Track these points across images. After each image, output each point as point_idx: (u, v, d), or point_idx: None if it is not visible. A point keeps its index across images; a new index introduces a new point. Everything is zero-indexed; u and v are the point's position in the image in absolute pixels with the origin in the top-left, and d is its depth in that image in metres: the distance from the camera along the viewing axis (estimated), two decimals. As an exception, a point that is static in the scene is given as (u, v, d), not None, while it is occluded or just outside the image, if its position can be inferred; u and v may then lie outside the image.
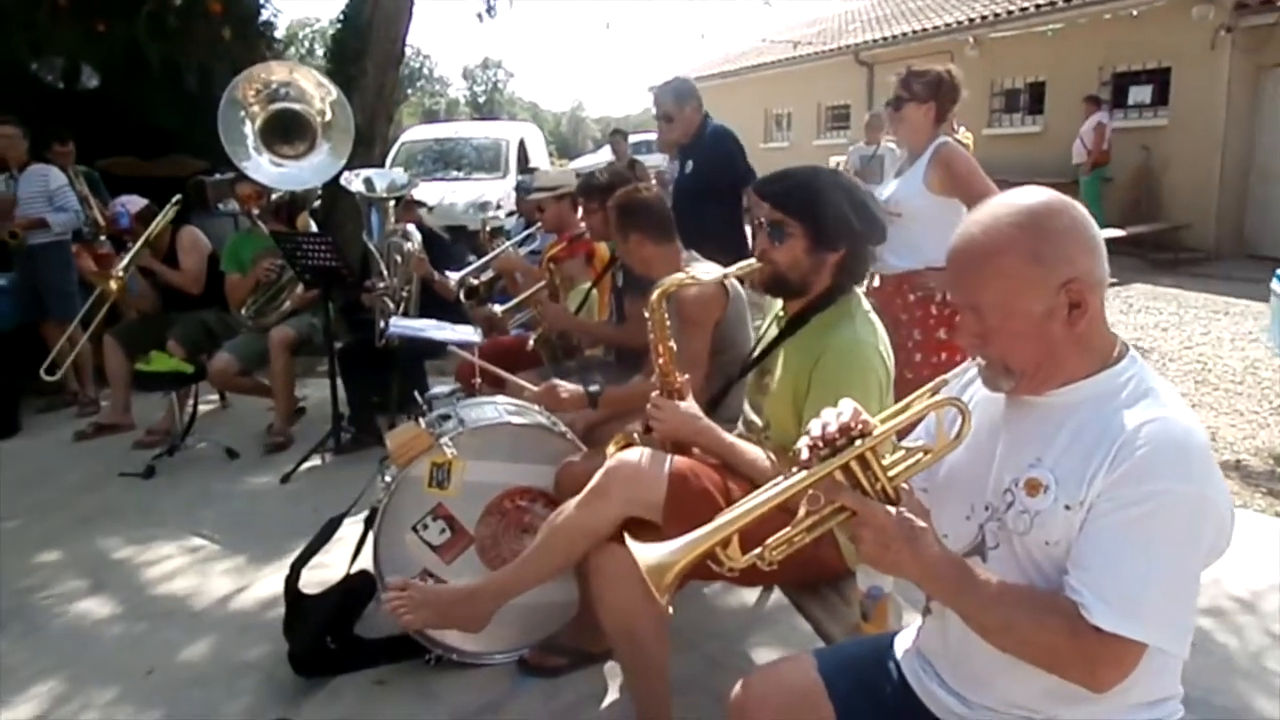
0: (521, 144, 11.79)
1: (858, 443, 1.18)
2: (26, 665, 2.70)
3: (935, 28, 13.79)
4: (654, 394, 2.13)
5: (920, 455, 1.25)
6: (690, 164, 4.17)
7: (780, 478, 1.22)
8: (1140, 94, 11.48)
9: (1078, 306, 1.20)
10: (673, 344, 2.17)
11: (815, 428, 1.22)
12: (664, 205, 2.97)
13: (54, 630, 2.91)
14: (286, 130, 4.72)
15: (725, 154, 4.02)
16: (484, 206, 9.98)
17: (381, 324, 4.55)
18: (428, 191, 9.99)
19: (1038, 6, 12.17)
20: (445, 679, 2.53)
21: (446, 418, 2.55)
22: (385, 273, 4.51)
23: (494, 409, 2.69)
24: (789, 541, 1.21)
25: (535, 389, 2.62)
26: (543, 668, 2.52)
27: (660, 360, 2.16)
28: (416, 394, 2.61)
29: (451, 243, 8.72)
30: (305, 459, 4.30)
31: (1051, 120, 12.23)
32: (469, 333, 3.35)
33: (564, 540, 2.05)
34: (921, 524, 1.18)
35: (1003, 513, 1.25)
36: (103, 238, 6.21)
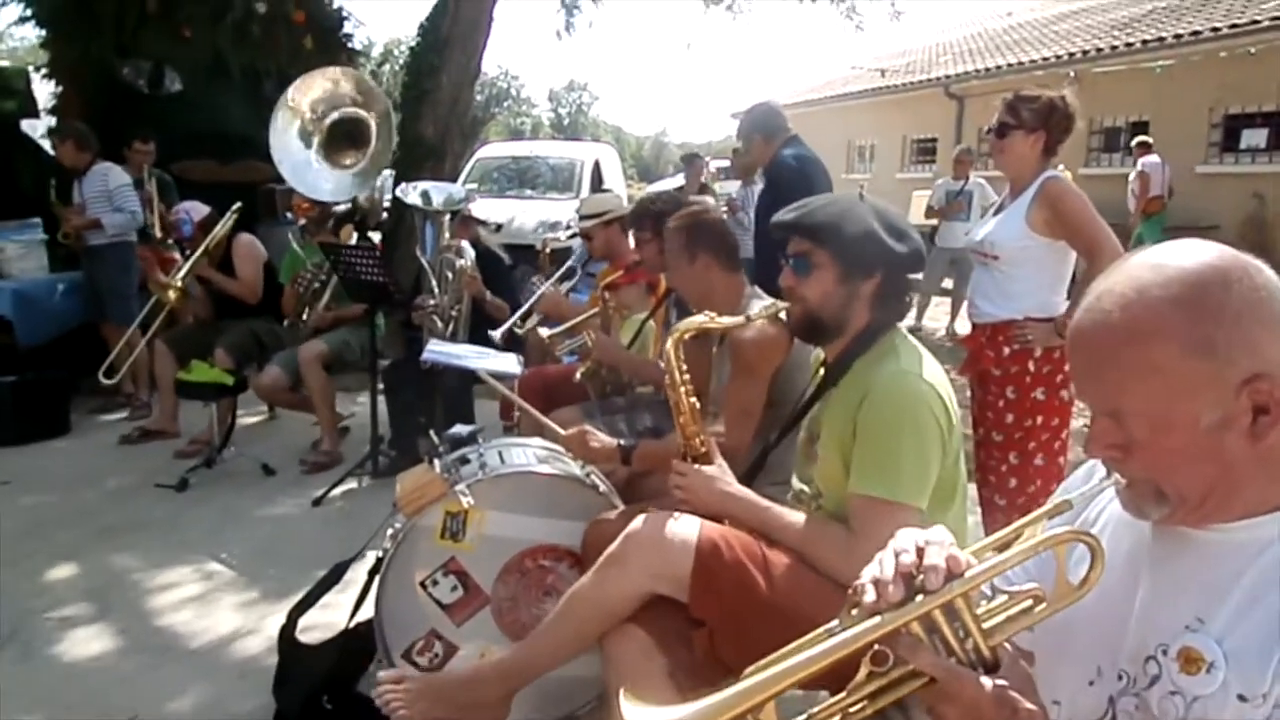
0: (596, 165, 11.62)
1: (947, 586, 0.85)
2: (13, 694, 2.50)
3: (1033, 61, 13.21)
4: (675, 460, 1.83)
5: (1029, 604, 0.90)
6: (760, 192, 3.95)
7: (835, 624, 0.89)
8: (1254, 138, 10.74)
9: (1265, 413, 0.85)
10: (694, 400, 1.87)
11: (887, 560, 0.89)
12: (733, 233, 2.68)
13: (48, 657, 2.72)
14: (352, 137, 4.57)
15: (778, 182, 3.71)
16: (553, 227, 9.80)
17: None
18: (500, 209, 9.89)
19: (1144, 42, 11.54)
20: (449, 755, 2.24)
21: (466, 461, 2.27)
22: (435, 289, 4.30)
23: (523, 453, 2.41)
24: (842, 713, 0.88)
25: (565, 433, 2.32)
26: (558, 752, 2.22)
27: (680, 418, 1.85)
28: (432, 433, 2.34)
29: (516, 263, 8.58)
30: (339, 482, 4.10)
31: (1155, 162, 11.53)
32: (510, 363, 3.08)
33: (578, 617, 1.75)
34: (1030, 706, 0.83)
35: (1144, 688, 0.90)
36: (170, 241, 6.21)
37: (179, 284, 4.63)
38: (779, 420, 2.12)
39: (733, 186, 9.94)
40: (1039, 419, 2.73)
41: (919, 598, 0.85)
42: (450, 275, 4.21)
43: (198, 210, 4.98)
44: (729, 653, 1.72)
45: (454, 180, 8.21)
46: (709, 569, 1.67)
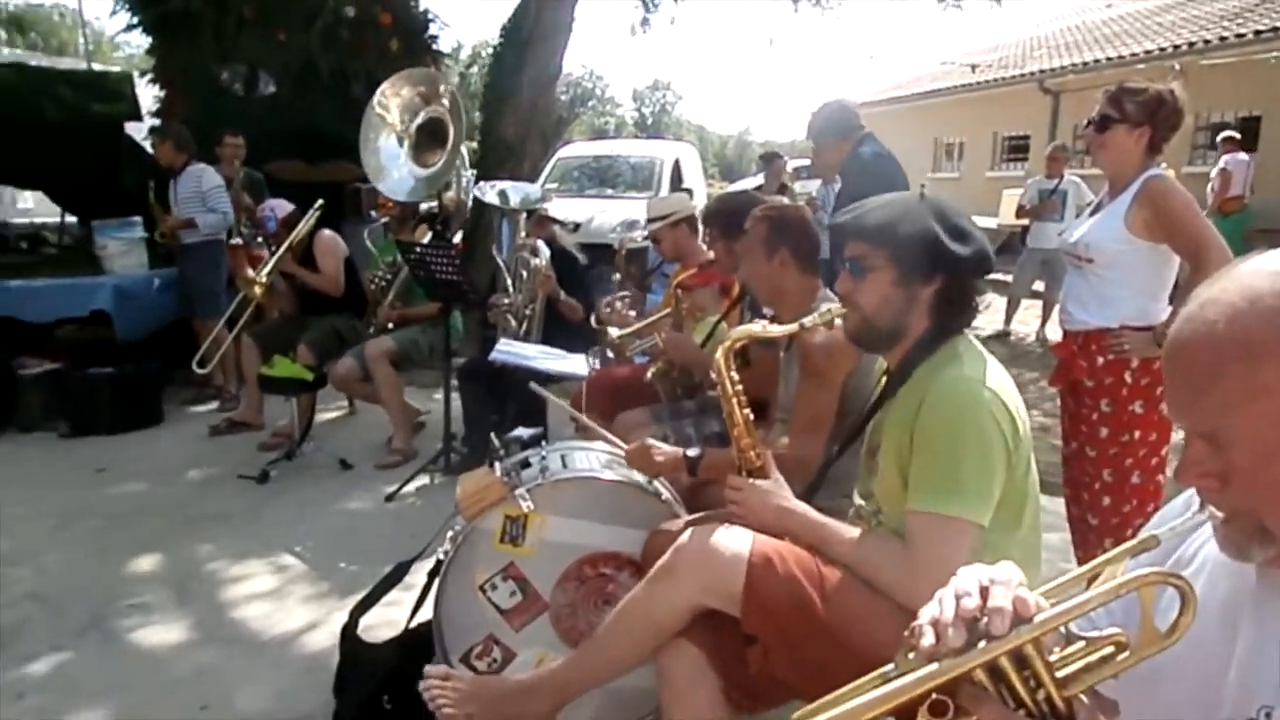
0: (676, 164, 11.54)
1: (1015, 631, 0.76)
2: (91, 681, 2.59)
3: (1134, 55, 12.58)
4: (730, 475, 1.75)
5: (1110, 651, 0.80)
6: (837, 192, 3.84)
7: (891, 667, 0.81)
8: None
9: None
10: (748, 412, 1.79)
11: (947, 601, 0.80)
12: (816, 233, 2.57)
13: (127, 644, 2.81)
14: (437, 137, 4.62)
15: (855, 181, 3.58)
16: (631, 226, 9.78)
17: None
18: (579, 209, 9.91)
19: (1258, 33, 10.85)
20: (506, 762, 2.21)
21: (528, 464, 2.23)
22: (510, 288, 4.31)
23: (586, 457, 2.36)
24: None
25: (627, 447, 2.25)
26: (615, 765, 2.16)
27: (734, 430, 1.78)
28: (493, 436, 2.31)
29: (594, 263, 8.58)
30: (411, 478, 4.14)
31: (1266, 159, 10.84)
32: (578, 364, 3.04)
33: (629, 631, 1.69)
34: None
35: None
36: (259, 239, 6.41)
37: (263, 279, 4.75)
38: (845, 431, 2.03)
39: (813, 185, 9.77)
40: (1136, 434, 2.55)
41: (982, 643, 0.76)
42: (525, 274, 4.21)
43: (282, 208, 5.11)
44: (784, 670, 1.64)
45: (533, 180, 8.27)
46: (761, 584, 1.59)
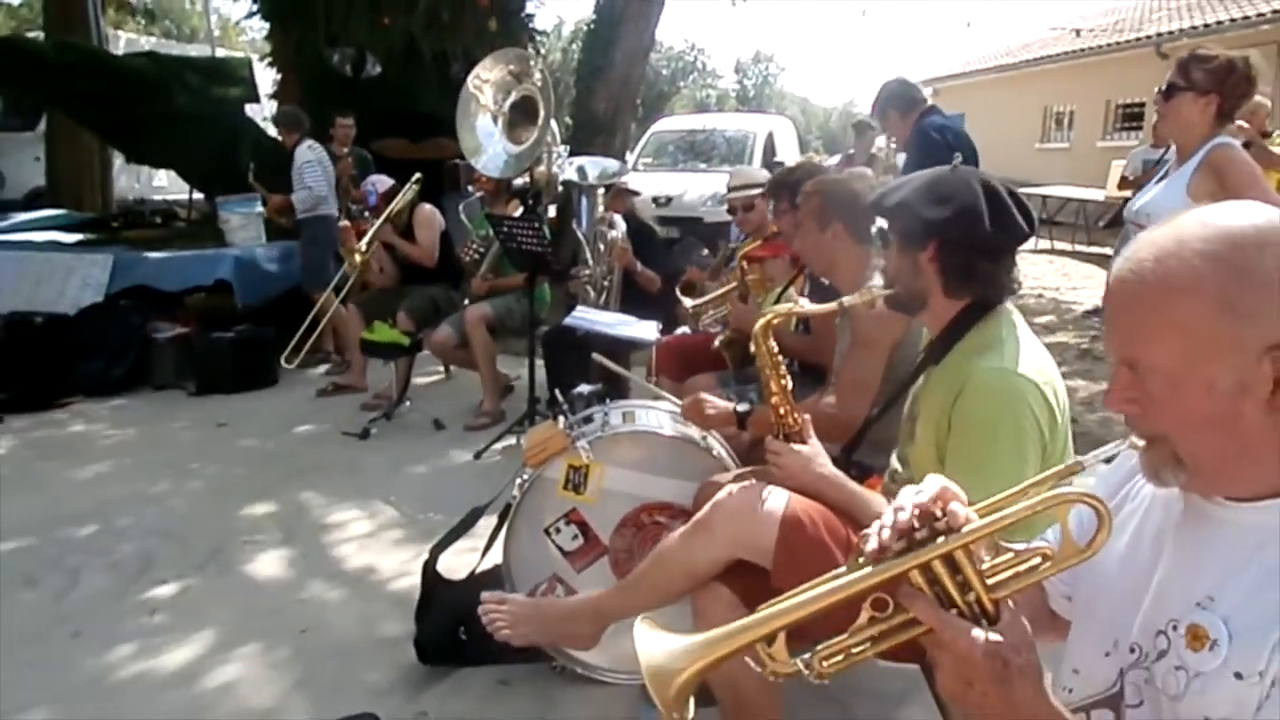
0: (770, 137, 11.51)
1: (941, 540, 0.88)
2: (210, 604, 2.93)
3: (1261, 15, 11.78)
4: (769, 438, 1.87)
5: (1036, 561, 0.91)
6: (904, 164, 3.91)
7: (843, 569, 0.94)
8: None
9: None
10: (786, 380, 1.91)
11: (887, 515, 0.93)
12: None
13: (242, 573, 3.15)
14: (529, 114, 4.82)
15: (921, 153, 3.62)
16: (722, 200, 9.84)
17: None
18: (671, 182, 10.02)
19: None
20: (568, 690, 2.42)
21: (590, 419, 2.42)
22: (589, 260, 4.50)
23: (646, 414, 2.52)
24: (845, 652, 0.93)
25: (679, 402, 2.40)
26: (666, 700, 2.33)
27: (773, 398, 1.89)
28: (557, 391, 2.49)
29: (684, 235, 8.70)
30: (498, 438, 4.40)
31: None
32: (648, 330, 3.20)
33: (662, 573, 1.85)
34: (1022, 660, 0.85)
35: (1151, 661, 0.90)
36: (366, 214, 6.81)
37: (363, 249, 5.08)
38: (888, 394, 2.12)
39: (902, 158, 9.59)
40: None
41: (917, 552, 0.89)
42: (603, 247, 4.39)
43: (382, 183, 5.43)
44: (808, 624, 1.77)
45: (624, 154, 8.44)
46: (791, 542, 1.71)
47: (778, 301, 3.47)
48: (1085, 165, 13.12)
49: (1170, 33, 13.34)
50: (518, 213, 4.98)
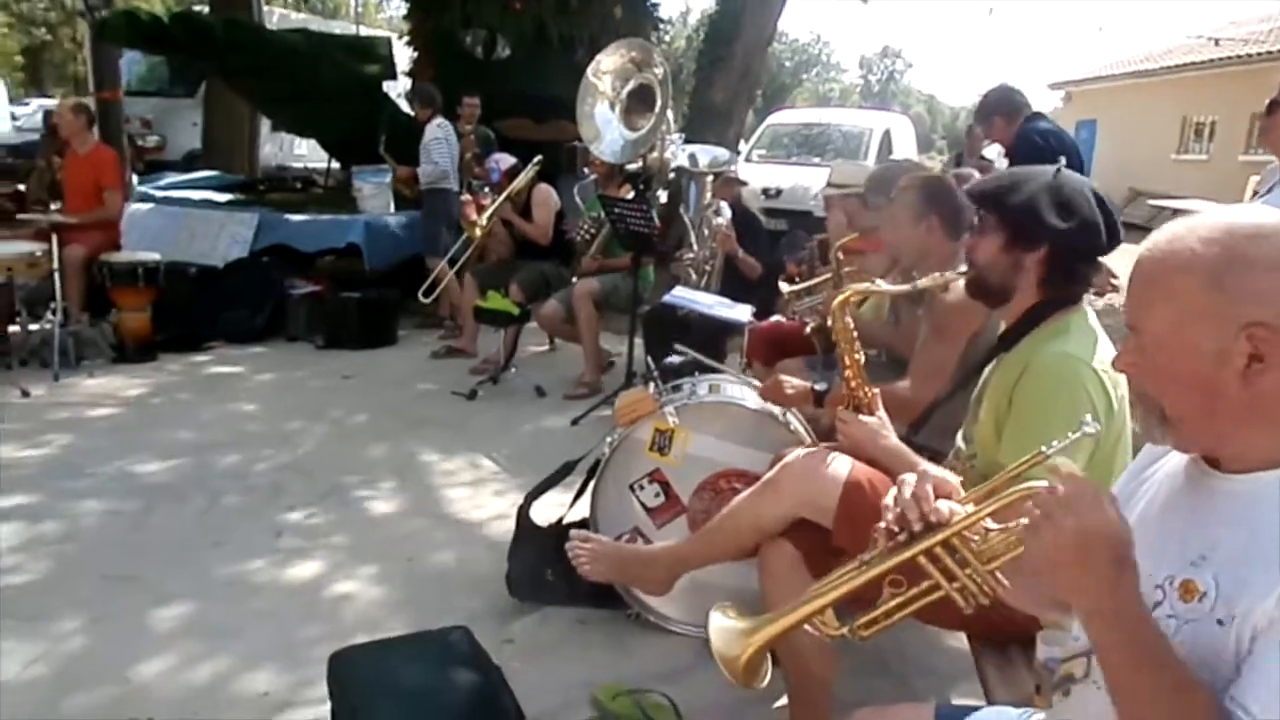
0: (886, 134, 11.40)
1: (936, 532, 1.09)
2: (327, 534, 3.27)
3: None
4: (839, 407, 2.02)
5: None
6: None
7: (868, 554, 1.16)
8: None
9: (1260, 360, 0.94)
10: (859, 355, 2.05)
11: (889, 512, 1.14)
12: (965, 201, 2.75)
13: (357, 509, 3.49)
14: (647, 101, 5.03)
15: (1023, 156, 3.64)
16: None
17: (684, 291, 4.76)
18: (783, 175, 10.08)
19: None
20: (640, 636, 2.63)
21: (680, 388, 2.61)
22: (694, 244, 4.68)
23: (731, 389, 2.70)
24: (875, 620, 1.16)
25: (759, 384, 2.56)
26: (731, 653, 2.52)
27: (846, 371, 2.03)
28: (649, 360, 2.69)
29: (794, 228, 8.77)
30: (595, 407, 4.65)
31: None
32: (743, 312, 3.37)
33: (732, 526, 2.03)
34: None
35: (1147, 611, 1.03)
36: (486, 189, 7.17)
37: (484, 223, 5.41)
38: (957, 378, 2.23)
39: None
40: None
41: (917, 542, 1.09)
42: (707, 232, 4.57)
43: (505, 161, 5.75)
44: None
45: (737, 145, 8.57)
46: (852, 504, 1.86)
47: (869, 297, 3.58)
48: (1224, 179, 12.43)
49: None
50: (629, 196, 5.21)
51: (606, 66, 5.20)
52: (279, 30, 8.43)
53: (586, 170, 8.06)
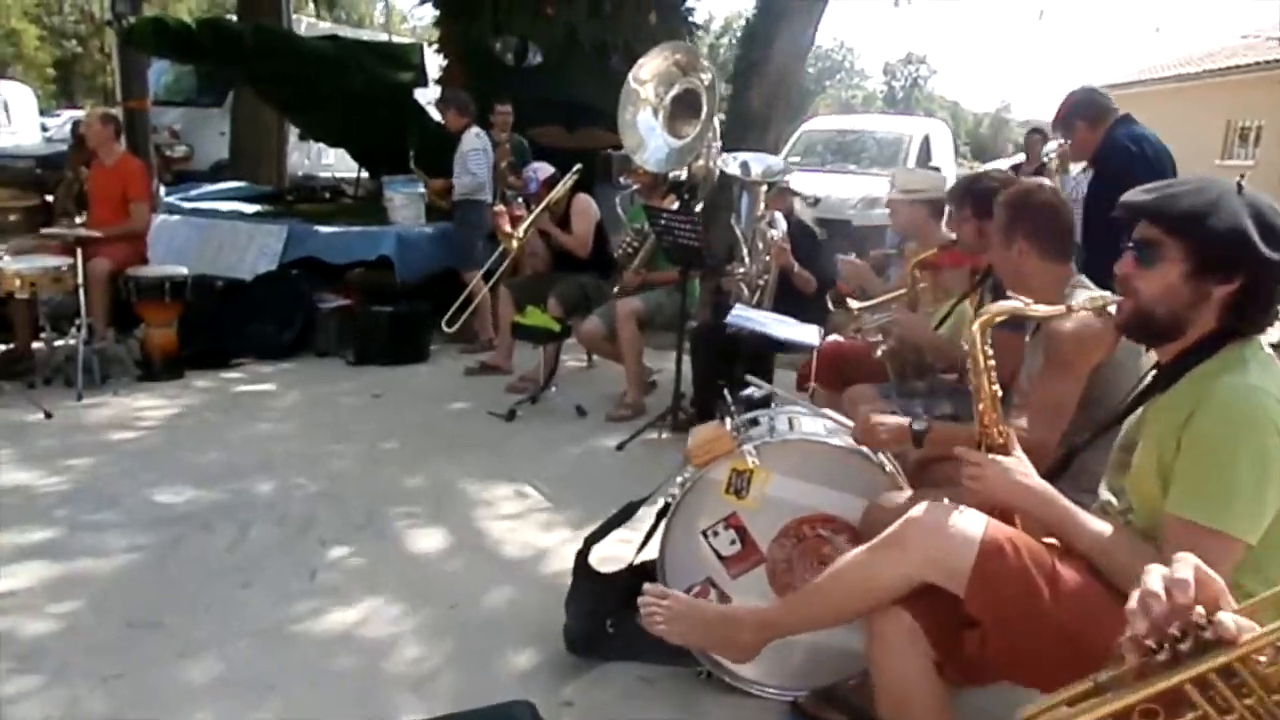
0: (925, 141, 11.10)
1: (1216, 653, 0.80)
2: (366, 570, 3.04)
3: None
4: (965, 449, 1.75)
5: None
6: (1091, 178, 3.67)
7: (1103, 675, 0.87)
8: None
9: None
10: (997, 387, 1.77)
11: (1145, 618, 0.85)
12: (1066, 215, 2.49)
13: (395, 546, 3.25)
14: (692, 108, 4.79)
15: (1112, 165, 3.36)
16: (872, 203, 9.56)
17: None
18: (819, 183, 9.80)
19: None
20: (712, 697, 2.37)
21: (756, 423, 2.35)
22: (746, 258, 4.43)
23: (813, 422, 2.44)
24: None
25: (850, 423, 2.30)
26: (817, 720, 2.26)
27: (980, 405, 1.76)
28: (726, 392, 2.44)
29: (831, 236, 8.50)
30: (641, 431, 4.40)
31: None
32: (810, 334, 3.11)
33: (844, 589, 1.76)
34: None
35: None
36: (520, 199, 6.96)
37: (520, 235, 5.19)
38: (1091, 423, 1.96)
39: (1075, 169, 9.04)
40: None
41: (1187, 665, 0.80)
42: (761, 245, 4.31)
43: (544, 170, 5.52)
44: (1001, 659, 1.65)
45: (776, 152, 8.30)
46: (991, 569, 1.59)
47: (949, 313, 3.31)
48: (1272, 184, 12.04)
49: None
50: (673, 207, 4.96)
51: (649, 72, 4.95)
52: (308, 37, 8.26)
53: (622, 179, 7.87)
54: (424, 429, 4.53)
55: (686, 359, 4.57)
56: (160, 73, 11.91)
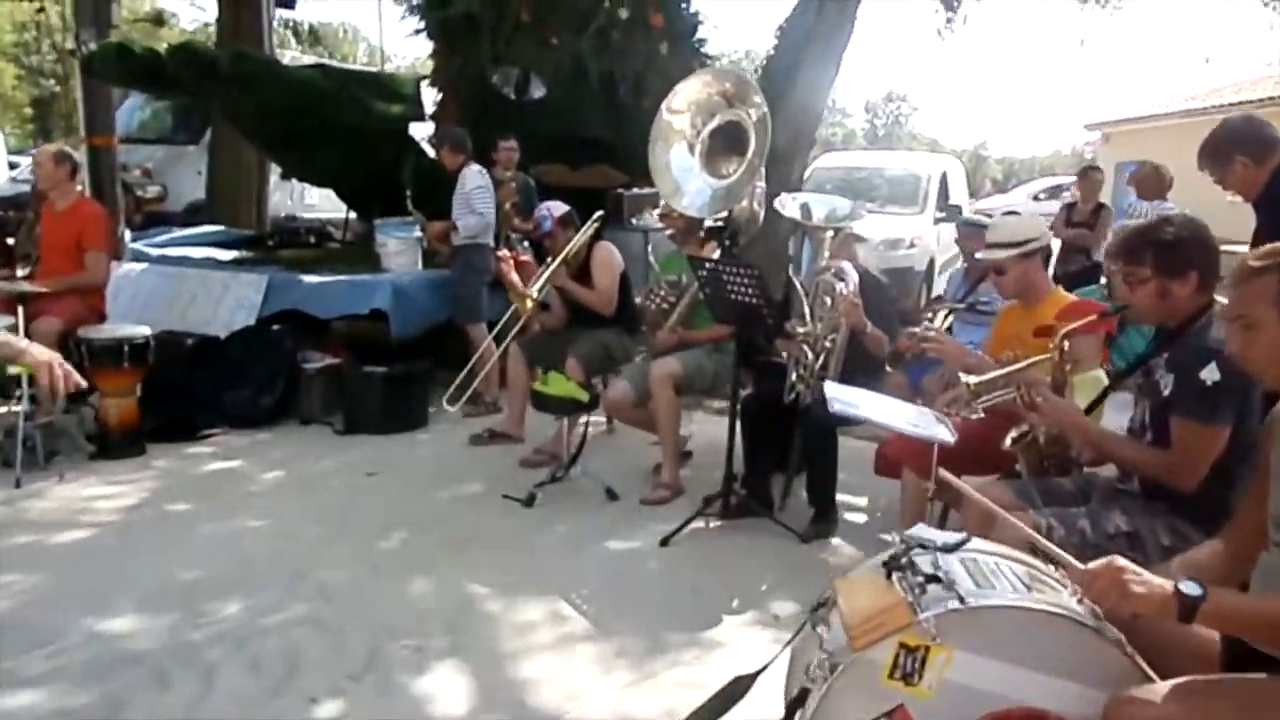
0: (944, 178, 10.58)
1: None
2: (371, 735, 2.32)
3: None
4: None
5: None
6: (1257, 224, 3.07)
7: None
8: None
9: None
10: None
11: None
12: None
13: (404, 695, 2.53)
14: (735, 143, 4.17)
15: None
16: (894, 244, 9.01)
17: (794, 375, 3.84)
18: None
19: None
20: None
21: (935, 579, 1.67)
22: (808, 316, 3.78)
23: (998, 568, 1.77)
24: None
25: (1082, 565, 1.62)
26: None
27: None
28: (896, 536, 1.75)
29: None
30: (688, 522, 3.71)
31: None
32: (941, 432, 2.45)
33: None
34: None
35: None
36: (525, 243, 6.30)
37: (535, 294, 4.54)
38: None
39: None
40: None
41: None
42: (830, 300, 3.67)
43: (557, 208, 4.88)
44: None
45: (799, 189, 7.72)
46: None
47: (1104, 394, 2.66)
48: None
49: None
50: (716, 254, 4.32)
51: (684, 101, 4.33)
52: (297, 66, 7.61)
53: (634, 220, 7.24)
54: (430, 520, 3.82)
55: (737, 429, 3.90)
56: (134, 109, 11.24)
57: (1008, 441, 2.70)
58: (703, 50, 8.49)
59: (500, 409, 5.46)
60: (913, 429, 2.44)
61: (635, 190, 7.44)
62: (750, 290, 3.58)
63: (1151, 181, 6.19)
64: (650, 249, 5.07)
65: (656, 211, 5.08)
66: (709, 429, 4.96)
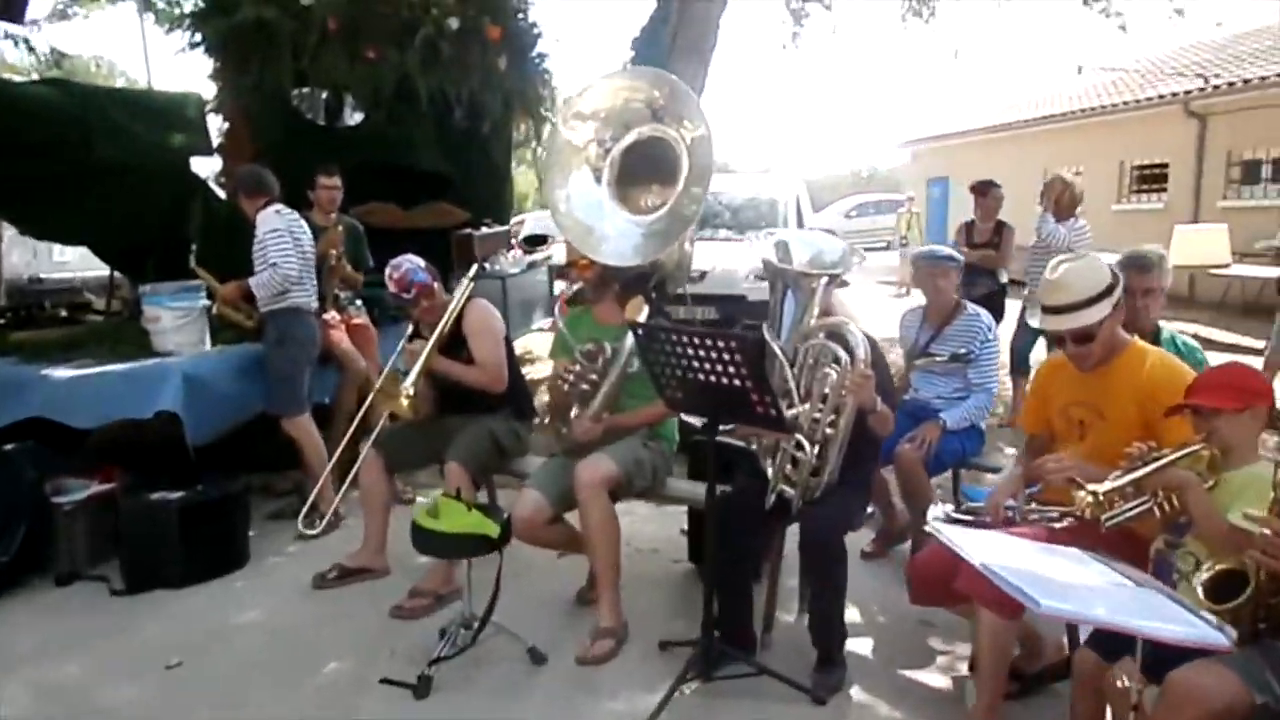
0: (798, 201, 10.11)
1: None
2: None
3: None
4: None
5: None
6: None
7: None
8: None
9: None
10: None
11: None
12: None
13: None
14: (655, 167, 3.13)
15: None
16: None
17: (771, 469, 2.84)
18: (707, 254, 8.38)
19: None
20: None
21: None
22: (794, 392, 2.78)
23: None
24: None
25: None
26: None
27: None
28: None
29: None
30: (667, 700, 2.60)
31: None
32: (1219, 638, 1.52)
33: None
34: None
35: None
36: (358, 303, 4.97)
37: (410, 390, 3.31)
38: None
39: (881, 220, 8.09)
40: None
41: None
42: (831, 372, 2.69)
43: (417, 263, 3.65)
44: None
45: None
46: None
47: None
48: (1100, 231, 12.10)
49: (1197, 91, 12.53)
50: (643, 314, 3.25)
51: (590, 106, 3.26)
52: (25, 82, 5.84)
53: (487, 266, 6.03)
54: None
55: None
56: None
57: (1198, 591, 1.82)
58: (541, 65, 7.41)
59: (340, 521, 4.15)
60: (1185, 635, 1.47)
61: (485, 229, 6.28)
62: (735, 368, 2.52)
63: (1066, 200, 5.76)
64: (556, 315, 3.91)
65: (546, 258, 3.97)
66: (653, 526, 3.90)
